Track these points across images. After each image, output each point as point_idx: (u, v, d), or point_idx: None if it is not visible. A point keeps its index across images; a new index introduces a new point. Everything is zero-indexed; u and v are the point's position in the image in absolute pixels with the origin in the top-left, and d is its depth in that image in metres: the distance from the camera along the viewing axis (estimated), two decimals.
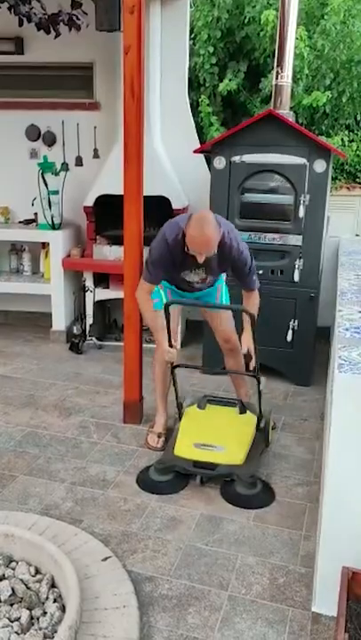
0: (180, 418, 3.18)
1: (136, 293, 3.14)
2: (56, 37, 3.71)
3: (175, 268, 3.02)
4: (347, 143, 5.15)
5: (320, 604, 2.12)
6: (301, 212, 3.80)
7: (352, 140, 5.23)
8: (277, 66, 3.95)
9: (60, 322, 4.90)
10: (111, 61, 4.55)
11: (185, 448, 2.94)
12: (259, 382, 3.05)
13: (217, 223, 2.81)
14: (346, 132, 5.22)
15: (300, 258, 3.88)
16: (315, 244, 3.88)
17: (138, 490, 2.86)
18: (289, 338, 4.01)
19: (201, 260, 2.83)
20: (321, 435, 3.36)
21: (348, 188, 5.24)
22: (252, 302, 3.12)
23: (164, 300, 3.13)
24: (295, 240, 3.87)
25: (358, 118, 5.31)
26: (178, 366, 3.16)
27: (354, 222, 5.35)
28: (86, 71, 4.83)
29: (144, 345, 3.52)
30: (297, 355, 4.06)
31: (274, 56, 4.06)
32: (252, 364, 3.06)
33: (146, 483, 2.90)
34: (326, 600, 2.06)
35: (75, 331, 4.76)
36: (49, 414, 3.63)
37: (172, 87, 4.68)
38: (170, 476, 2.90)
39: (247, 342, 3.04)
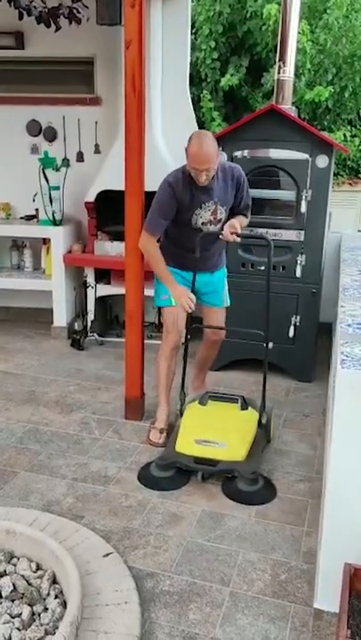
0: (181, 407, 3.17)
1: (140, 244, 3.11)
2: (56, 31, 3.70)
3: (184, 212, 3.00)
4: (349, 138, 5.13)
5: (322, 600, 2.11)
6: (303, 208, 3.78)
7: (354, 136, 5.22)
8: (280, 60, 3.93)
9: (61, 318, 4.89)
10: (112, 56, 4.52)
11: (186, 444, 2.93)
12: (267, 345, 3.04)
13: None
14: (348, 128, 5.22)
15: (301, 253, 3.87)
16: (317, 240, 3.86)
17: (139, 486, 2.86)
18: (291, 334, 4.00)
19: (203, 179, 2.86)
20: (323, 431, 3.36)
21: (350, 183, 5.23)
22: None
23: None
24: (297, 236, 3.86)
25: None
26: (196, 326, 3.20)
27: (356, 218, 5.34)
28: (87, 66, 4.80)
29: (146, 341, 3.51)
30: (299, 351, 4.05)
31: (276, 51, 4.04)
32: (235, 234, 3.02)
33: (147, 479, 2.90)
34: (328, 596, 2.06)
35: (76, 327, 4.75)
36: (50, 410, 3.63)
37: (173, 82, 4.65)
38: (171, 473, 2.89)
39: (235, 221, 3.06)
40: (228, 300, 3.42)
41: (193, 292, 3.10)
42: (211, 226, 3.08)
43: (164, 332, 3.26)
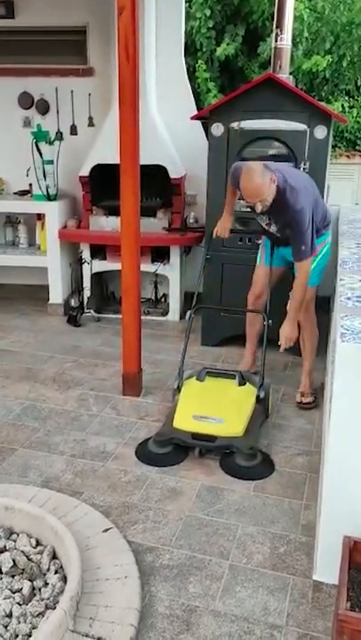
0: (179, 383, 3.16)
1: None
2: None
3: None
4: (347, 109, 5.05)
5: (321, 572, 2.12)
6: None
7: (352, 107, 5.14)
8: (277, 27, 3.83)
9: (57, 294, 4.85)
10: (105, 25, 4.41)
11: (184, 420, 2.92)
12: (267, 324, 3.21)
13: (268, 171, 2.89)
14: (346, 98, 5.13)
15: None
16: None
17: (138, 461, 2.86)
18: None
19: (258, 209, 2.96)
20: (321, 405, 3.35)
21: (347, 156, 5.17)
22: (298, 281, 3.06)
23: (262, 258, 3.45)
24: None
25: (359, 84, 5.20)
26: (202, 307, 3.47)
27: (353, 191, 5.28)
28: (80, 35, 4.68)
29: (142, 317, 3.48)
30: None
31: (273, 18, 3.94)
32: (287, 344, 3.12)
33: (145, 455, 2.89)
34: (327, 568, 2.07)
35: (72, 303, 4.72)
36: (48, 387, 3.61)
37: (167, 51, 4.54)
38: (169, 449, 2.89)
39: (284, 332, 3.10)
40: (316, 280, 3.30)
41: (272, 254, 3.35)
42: (271, 227, 3.21)
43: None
